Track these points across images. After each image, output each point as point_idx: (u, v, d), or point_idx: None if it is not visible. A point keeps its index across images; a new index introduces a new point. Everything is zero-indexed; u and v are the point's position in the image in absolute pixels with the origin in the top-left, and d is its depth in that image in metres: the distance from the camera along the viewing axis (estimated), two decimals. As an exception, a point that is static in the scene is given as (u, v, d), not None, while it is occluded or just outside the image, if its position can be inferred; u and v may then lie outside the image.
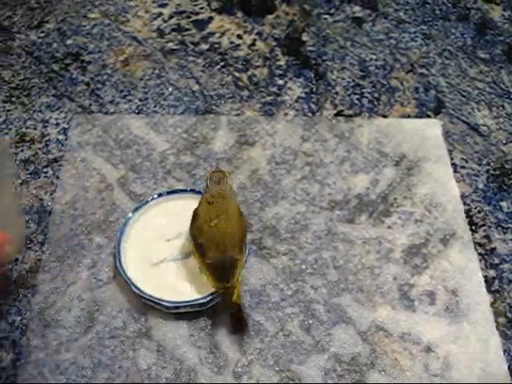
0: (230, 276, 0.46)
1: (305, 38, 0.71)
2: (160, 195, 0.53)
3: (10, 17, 0.72)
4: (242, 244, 0.48)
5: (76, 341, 0.47)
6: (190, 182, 0.56)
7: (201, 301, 0.47)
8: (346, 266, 0.52)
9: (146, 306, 0.48)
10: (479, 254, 0.54)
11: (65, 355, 0.47)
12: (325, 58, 0.69)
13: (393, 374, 0.47)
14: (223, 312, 0.48)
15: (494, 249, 0.54)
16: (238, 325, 0.47)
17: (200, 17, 0.73)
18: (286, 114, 0.63)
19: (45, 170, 0.58)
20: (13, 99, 0.64)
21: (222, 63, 0.68)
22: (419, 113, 0.64)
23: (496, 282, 0.52)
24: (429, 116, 0.64)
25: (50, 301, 0.49)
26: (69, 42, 0.69)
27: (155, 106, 0.63)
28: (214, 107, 0.63)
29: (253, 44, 0.70)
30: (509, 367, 0.47)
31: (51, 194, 0.56)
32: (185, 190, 0.53)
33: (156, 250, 0.50)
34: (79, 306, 0.49)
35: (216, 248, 0.47)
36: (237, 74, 0.66)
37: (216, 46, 0.69)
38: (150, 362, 0.47)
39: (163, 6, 0.74)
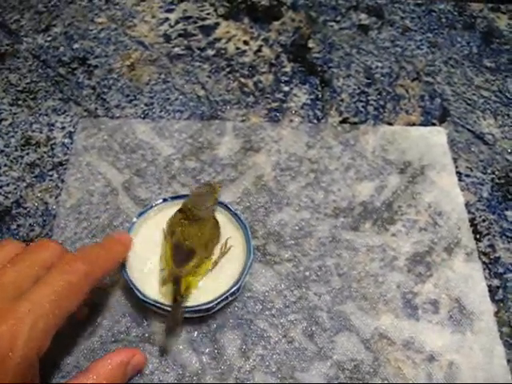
0: (184, 264, 0.47)
1: (311, 44, 0.71)
2: (165, 200, 0.53)
3: (18, 20, 0.72)
4: (210, 246, 0.49)
5: (79, 345, 0.47)
6: (194, 188, 0.57)
7: (204, 306, 0.47)
8: (349, 274, 0.52)
9: (150, 310, 0.48)
10: (483, 263, 0.54)
11: (67, 359, 0.47)
12: (330, 64, 0.69)
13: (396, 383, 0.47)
14: (230, 317, 0.49)
15: (498, 258, 0.54)
16: (173, 320, 0.45)
17: (206, 22, 0.73)
18: (291, 121, 0.63)
19: (50, 173, 0.58)
20: (19, 102, 0.64)
21: (227, 69, 0.68)
22: (424, 121, 0.64)
23: (500, 291, 0.52)
24: (434, 124, 0.64)
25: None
26: (75, 46, 0.70)
27: (161, 111, 0.63)
28: (219, 113, 0.63)
29: (259, 50, 0.70)
30: (512, 377, 0.47)
31: (56, 198, 0.56)
32: (189, 196, 0.53)
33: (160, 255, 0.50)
34: (82, 309, 0.49)
35: (182, 235, 0.48)
36: (242, 80, 0.67)
37: (222, 51, 0.70)
38: (153, 367, 0.47)
39: (170, 11, 0.74)
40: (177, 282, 0.46)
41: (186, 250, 0.48)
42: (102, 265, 0.44)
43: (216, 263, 0.50)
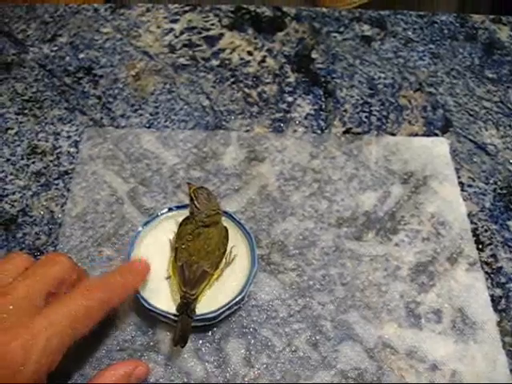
0: (197, 285, 0.47)
1: (314, 55, 0.72)
2: (170, 210, 0.53)
3: (24, 30, 0.73)
4: (218, 261, 0.49)
5: (84, 353, 0.48)
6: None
7: (209, 315, 0.47)
8: (353, 283, 0.53)
9: (155, 319, 0.49)
10: (486, 272, 0.54)
11: (73, 367, 0.47)
12: (334, 75, 0.69)
13: (399, 392, 0.47)
14: (234, 327, 0.49)
15: (500, 268, 0.55)
16: (182, 336, 0.45)
17: (211, 33, 0.74)
18: (295, 131, 0.63)
19: (56, 182, 0.59)
20: (25, 111, 0.65)
21: (232, 79, 0.68)
22: (427, 131, 0.64)
23: (502, 300, 0.52)
24: (436, 135, 0.64)
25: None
26: (81, 55, 0.70)
27: (166, 121, 0.64)
28: (224, 123, 0.64)
29: (263, 61, 0.71)
30: (515, 387, 0.48)
31: (62, 206, 0.57)
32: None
33: (165, 265, 0.51)
34: (88, 318, 0.49)
35: (189, 254, 0.49)
36: (247, 91, 0.67)
37: (226, 62, 0.70)
38: (158, 376, 0.47)
39: (175, 21, 0.75)
40: (190, 303, 0.47)
41: (198, 272, 0.48)
42: (119, 293, 0.45)
43: (221, 272, 0.50)
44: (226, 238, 0.51)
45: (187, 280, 0.47)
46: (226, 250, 0.51)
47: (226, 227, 0.52)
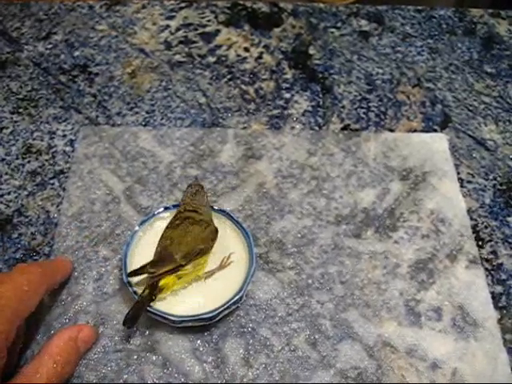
0: (160, 268, 0.47)
1: (311, 51, 0.71)
2: (166, 208, 0.53)
3: (19, 28, 0.72)
4: (190, 255, 0.48)
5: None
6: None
7: (207, 315, 0.47)
8: (352, 281, 0.52)
9: (152, 319, 0.48)
10: (486, 269, 0.54)
11: (70, 369, 0.47)
12: (331, 71, 0.69)
13: (399, 391, 0.47)
14: (231, 327, 0.49)
15: (500, 264, 0.54)
16: (131, 317, 0.46)
17: (207, 29, 0.73)
18: (292, 128, 0.63)
19: (51, 181, 0.58)
20: (20, 110, 0.64)
21: (228, 76, 0.68)
22: (426, 127, 0.64)
23: (503, 298, 0.52)
24: (435, 130, 0.64)
25: (55, 313, 0.49)
26: (76, 53, 0.70)
27: (162, 119, 0.63)
28: (220, 120, 0.63)
29: (260, 57, 0.70)
30: (516, 384, 0.47)
31: (58, 206, 0.56)
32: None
33: (162, 264, 0.50)
34: (84, 319, 0.49)
35: (164, 241, 0.48)
36: (244, 87, 0.67)
37: (223, 58, 0.70)
38: (156, 376, 0.46)
39: (170, 18, 0.74)
40: (150, 284, 0.47)
41: (165, 254, 0.48)
42: (54, 269, 0.48)
43: (211, 274, 0.50)
44: (212, 238, 0.50)
45: (153, 261, 0.47)
46: (207, 250, 0.49)
47: (216, 229, 0.50)
